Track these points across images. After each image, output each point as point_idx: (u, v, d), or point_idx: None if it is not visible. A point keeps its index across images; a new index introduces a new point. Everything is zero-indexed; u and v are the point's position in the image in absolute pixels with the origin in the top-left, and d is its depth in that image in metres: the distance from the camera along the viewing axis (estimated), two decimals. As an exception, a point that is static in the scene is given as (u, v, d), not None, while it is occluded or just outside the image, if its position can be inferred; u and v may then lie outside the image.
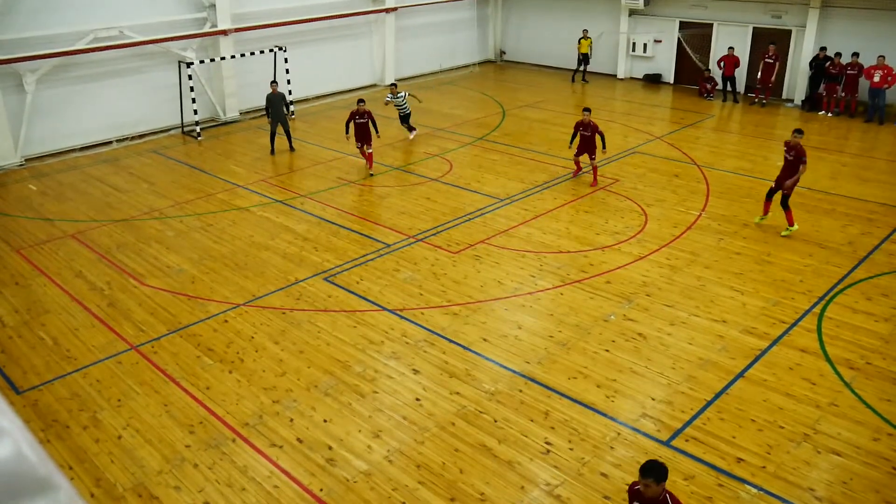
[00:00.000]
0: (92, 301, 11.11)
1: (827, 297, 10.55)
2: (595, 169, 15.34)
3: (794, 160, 12.41)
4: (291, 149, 18.22)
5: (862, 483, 7.02)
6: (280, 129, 18.09)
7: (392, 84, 19.75)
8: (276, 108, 17.84)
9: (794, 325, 9.88)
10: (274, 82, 18.40)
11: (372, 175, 16.32)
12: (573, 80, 25.41)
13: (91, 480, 7.41)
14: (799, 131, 12.46)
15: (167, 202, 15.09)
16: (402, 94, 18.54)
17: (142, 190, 15.93)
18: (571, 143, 15.50)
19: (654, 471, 5.31)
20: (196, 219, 14.17)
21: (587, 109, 15.28)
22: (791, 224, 12.58)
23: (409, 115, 18.88)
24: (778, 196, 12.69)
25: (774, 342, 9.48)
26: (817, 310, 10.23)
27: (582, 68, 25.21)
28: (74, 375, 9.26)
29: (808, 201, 14.17)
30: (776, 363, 9.02)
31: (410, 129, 19.00)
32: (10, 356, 9.73)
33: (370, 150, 16.36)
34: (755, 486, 6.99)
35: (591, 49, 25.01)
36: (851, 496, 6.86)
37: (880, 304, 10.33)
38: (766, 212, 13.03)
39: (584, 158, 15.36)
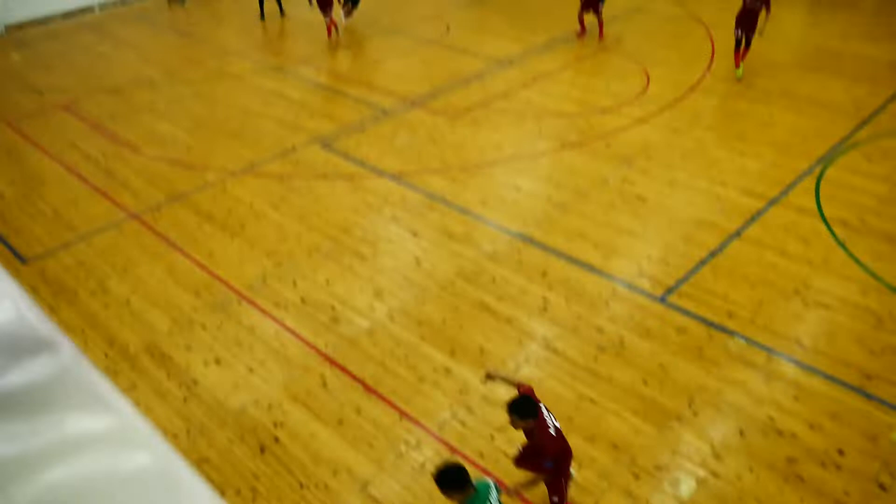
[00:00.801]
0: (88, 172, 11.06)
1: (828, 159, 10.50)
2: (601, 24, 14.82)
3: (760, 3, 12.42)
4: (282, 13, 17.54)
5: (846, 334, 7.27)
6: None
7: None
8: None
9: (792, 185, 9.89)
10: None
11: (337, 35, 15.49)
12: None
13: (104, 342, 7.66)
14: None
15: (157, 70, 14.71)
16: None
17: (129, 58, 15.49)
18: None
19: (514, 408, 4.87)
20: (188, 86, 13.87)
21: None
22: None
23: None
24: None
25: (772, 202, 9.52)
26: (817, 171, 10.21)
27: None
28: (78, 244, 9.36)
29: (815, 61, 13.83)
30: (772, 223, 9.10)
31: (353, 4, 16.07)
32: (11, 227, 9.80)
33: (335, 18, 15.24)
34: (743, 338, 7.24)
35: None
36: (835, 346, 7.11)
37: (881, 164, 10.29)
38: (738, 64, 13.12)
39: (590, 15, 14.79)
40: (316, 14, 17.45)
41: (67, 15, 18.21)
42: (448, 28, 9.81)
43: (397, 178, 10.45)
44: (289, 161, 11.06)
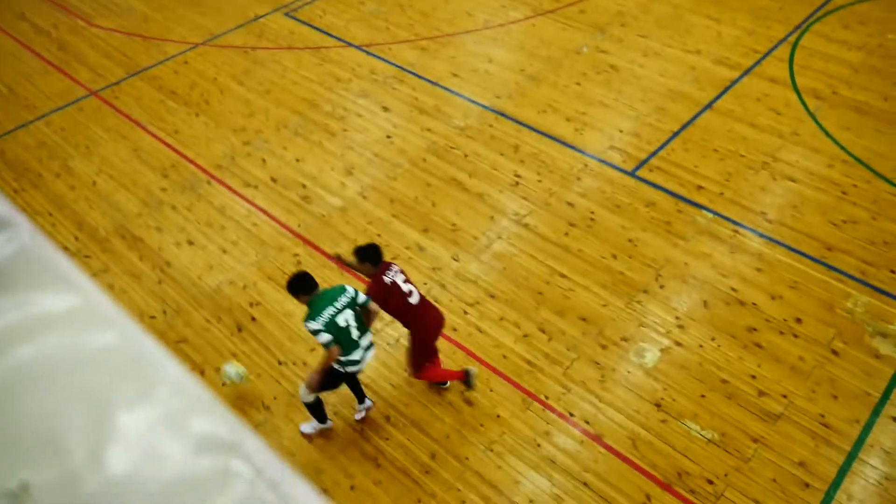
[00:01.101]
0: (41, 45, 10.55)
1: (804, 26, 10.31)
2: None
3: None
4: None
5: (811, 206, 7.43)
6: None
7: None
8: None
9: (766, 54, 9.75)
10: None
11: None
12: None
13: (73, 225, 7.60)
14: None
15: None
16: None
17: (74, -84, 14.40)
18: None
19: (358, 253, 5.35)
20: (139, -51, 13.01)
21: None
22: None
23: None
24: None
25: (745, 72, 9.42)
26: (792, 38, 10.05)
27: None
28: (37, 124, 9.07)
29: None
30: (745, 94, 9.05)
31: None
32: (-35, 104, 9.44)
33: None
34: (711, 211, 7.37)
35: None
36: (799, 218, 7.29)
37: (856, 31, 10.14)
38: None
39: None
40: None
41: None
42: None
43: (365, 48, 10.11)
44: (252, 31, 10.61)
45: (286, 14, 10.97)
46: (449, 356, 6.03)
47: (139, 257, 7.17)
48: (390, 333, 6.29)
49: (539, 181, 7.80)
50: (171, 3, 11.38)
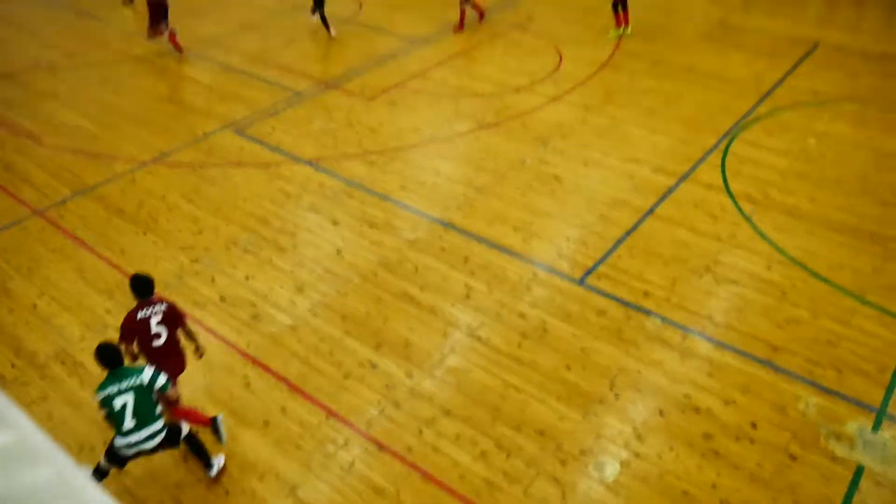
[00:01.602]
0: (-16, 165, 10.46)
1: (731, 134, 10.90)
2: (476, 6, 14.71)
3: None
4: None
5: (754, 308, 7.63)
6: None
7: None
8: None
9: (700, 161, 10.23)
10: None
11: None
12: None
13: (10, 350, 7.33)
14: None
15: (56, 53, 13.95)
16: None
17: (24, 40, 14.62)
18: None
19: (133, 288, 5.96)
20: (91, 70, 13.22)
21: None
22: (619, 25, 14.10)
23: None
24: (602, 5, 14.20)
25: (681, 179, 9.84)
26: (722, 146, 10.60)
27: None
28: (-24, 245, 8.88)
29: (720, 36, 14.27)
30: (682, 200, 9.42)
31: (325, 20, 14.36)
32: None
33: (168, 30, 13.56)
34: (659, 317, 7.51)
35: None
36: (744, 320, 7.46)
37: (780, 138, 10.76)
38: (618, 24, 14.18)
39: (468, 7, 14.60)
40: (223, -10, 16.87)
41: (-50, -8, 17.02)
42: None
43: (315, 163, 10.28)
44: (201, 149, 10.72)
45: (235, 131, 11.14)
46: (404, 478, 5.87)
47: (80, 384, 6.91)
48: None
49: (490, 292, 7.88)
50: (121, 122, 11.48)
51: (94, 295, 8.01)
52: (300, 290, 7.99)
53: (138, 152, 10.66)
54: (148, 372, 5.34)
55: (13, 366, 7.14)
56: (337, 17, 15.18)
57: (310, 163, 10.19)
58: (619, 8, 14.01)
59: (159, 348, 5.82)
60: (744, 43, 13.94)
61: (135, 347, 5.84)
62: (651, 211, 9.20)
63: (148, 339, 5.80)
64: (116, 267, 8.41)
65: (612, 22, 14.31)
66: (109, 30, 14.99)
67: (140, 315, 5.78)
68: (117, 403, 5.19)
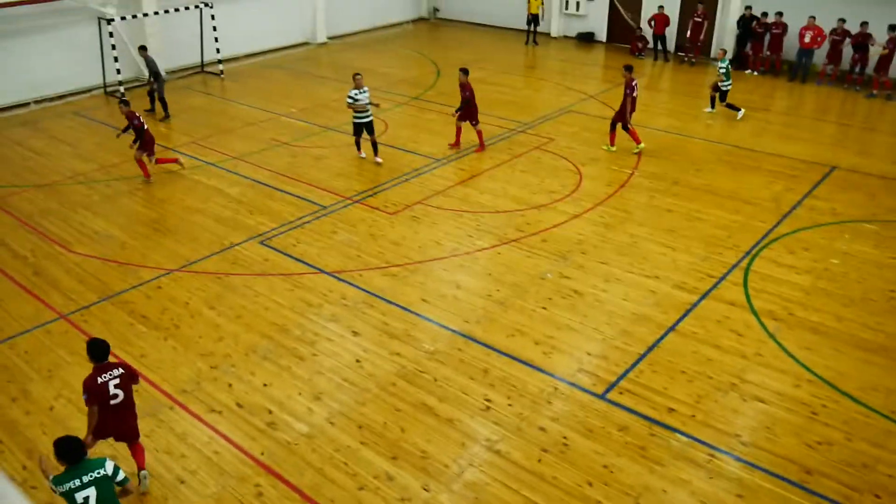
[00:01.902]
0: (16, 269, 10.68)
1: (753, 252, 10.94)
2: (480, 133, 15.09)
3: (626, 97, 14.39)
4: (166, 115, 17.45)
5: (784, 428, 7.40)
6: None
7: (356, 75, 13.93)
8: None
9: (721, 279, 10.23)
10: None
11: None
12: (527, 43, 24.82)
13: (23, 453, 7.23)
14: (628, 67, 14.54)
15: (92, 166, 14.53)
16: (366, 90, 13.82)
17: (64, 153, 15.28)
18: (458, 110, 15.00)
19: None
20: (124, 182, 13.70)
21: (464, 70, 14.66)
22: (639, 142, 14.82)
23: (371, 122, 14.14)
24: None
25: (703, 296, 9.81)
26: (744, 264, 10.61)
27: (532, 29, 24.76)
28: (1, 347, 8.93)
29: (735, 158, 14.59)
30: (705, 316, 9.35)
31: (374, 148, 14.42)
32: (-72, 329, 9.32)
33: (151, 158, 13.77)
34: (685, 435, 7.29)
35: (542, 9, 24.49)
36: (774, 440, 7.22)
37: (802, 257, 10.77)
38: (612, 142, 15.01)
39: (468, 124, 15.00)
40: (254, 111, 17.69)
41: (2, 110, 17.95)
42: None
43: (337, 275, 10.40)
44: (226, 258, 10.91)
45: (261, 242, 11.37)
46: None
47: (90, 490, 6.73)
48: None
49: (510, 405, 7.73)
50: (149, 232, 11.77)
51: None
52: (317, 398, 7.89)
53: (164, 261, 10.86)
54: (110, 465, 5.43)
55: (24, 468, 7.01)
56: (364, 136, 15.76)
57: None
58: (619, 127, 14.75)
59: (116, 406, 6.51)
60: (760, 165, 14.22)
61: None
62: (673, 327, 9.12)
63: (107, 401, 6.46)
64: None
65: (633, 143, 14.75)
66: (146, 146, 15.65)
67: (100, 379, 6.43)
68: (79, 497, 5.26)
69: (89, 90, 19.56)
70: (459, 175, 13.85)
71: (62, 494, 5.27)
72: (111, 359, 6.69)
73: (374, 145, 14.31)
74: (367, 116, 13.93)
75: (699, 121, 16.99)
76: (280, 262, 10.80)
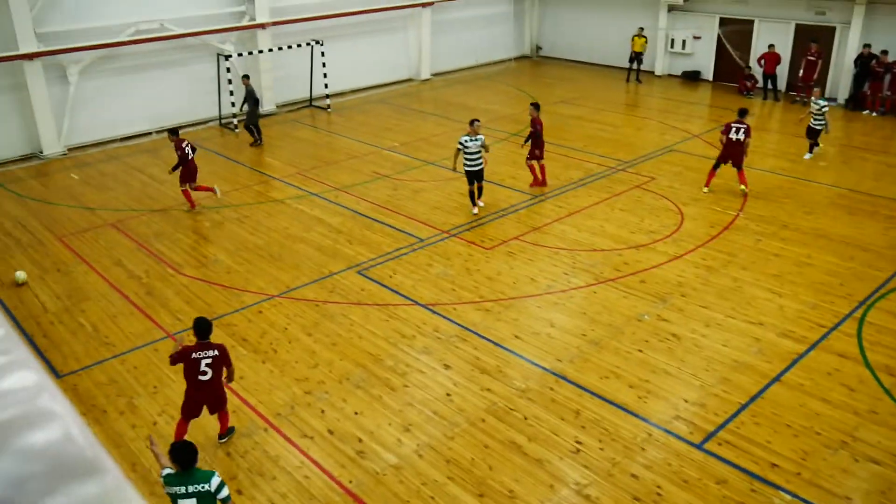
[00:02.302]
0: (130, 289, 11.31)
1: (868, 302, 10.32)
2: (543, 168, 15.10)
3: (745, 136, 14.10)
4: (258, 140, 18.55)
5: (900, 493, 6.87)
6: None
7: (473, 122, 13.43)
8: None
9: (833, 329, 9.69)
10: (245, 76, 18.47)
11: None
12: (628, 80, 24.69)
13: (127, 465, 7.55)
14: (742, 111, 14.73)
15: (204, 193, 15.27)
16: (481, 138, 13.25)
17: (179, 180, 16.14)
18: (525, 142, 15.15)
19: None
20: (232, 210, 14.34)
21: (535, 105, 14.83)
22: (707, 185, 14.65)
23: (482, 170, 13.54)
24: (724, 169, 14.41)
25: (812, 346, 9.31)
26: (858, 314, 10.02)
27: (635, 67, 24.53)
28: (112, 361, 9.44)
29: (851, 203, 13.88)
30: (814, 368, 8.86)
31: (479, 192, 13.77)
32: (51, 341, 9.96)
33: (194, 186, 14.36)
34: (789, 493, 6.88)
35: (644, 48, 24.31)
36: (889, 506, 6.72)
37: (923, 309, 10.07)
38: (707, 183, 14.62)
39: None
40: (358, 144, 18.20)
41: (126, 139, 19.22)
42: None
43: (431, 307, 10.48)
44: (325, 287, 11.19)
45: (359, 272, 11.61)
46: None
47: (186, 506, 6.97)
48: None
49: (601, 449, 7.52)
50: (254, 258, 12.24)
51: (208, 416, 8.22)
52: (407, 429, 7.92)
53: (267, 286, 11.25)
54: (216, 480, 5.68)
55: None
56: (461, 171, 15.92)
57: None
58: (720, 167, 14.41)
59: (203, 382, 7.33)
60: (878, 210, 13.47)
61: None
62: (778, 378, 8.68)
63: (195, 374, 7.29)
64: (233, 392, 8.67)
65: (738, 184, 14.28)
66: (252, 174, 16.36)
67: (194, 356, 7.29)
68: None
69: (206, 122, 20.69)
70: (557, 212, 13.76)
71: (168, 494, 5.65)
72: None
73: (480, 190, 13.71)
74: (478, 164, 13.27)
75: (810, 163, 16.29)
76: (376, 292, 10.99)
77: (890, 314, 10.00)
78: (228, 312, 10.53)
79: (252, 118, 18.23)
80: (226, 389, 7.76)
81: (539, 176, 15.02)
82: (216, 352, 7.40)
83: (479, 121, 13.43)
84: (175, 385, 8.86)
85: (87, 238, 13.24)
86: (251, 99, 18.07)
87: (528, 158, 14.98)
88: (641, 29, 24.19)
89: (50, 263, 12.29)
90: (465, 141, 13.09)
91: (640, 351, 9.29)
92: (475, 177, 13.42)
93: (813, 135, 16.20)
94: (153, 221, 13.90)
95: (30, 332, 10.16)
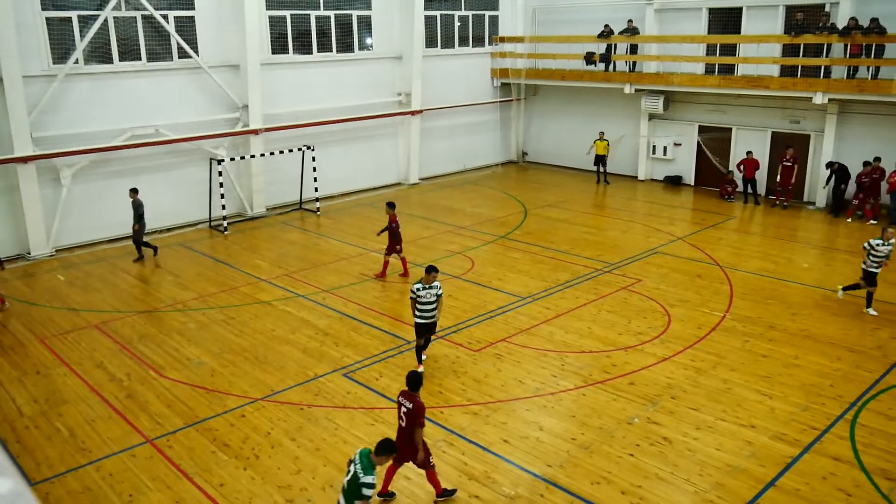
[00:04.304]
0: (110, 392, 11.07)
1: (859, 403, 10.24)
2: (387, 262, 16.02)
3: None
4: (154, 253, 17.95)
5: None
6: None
7: (429, 269, 11.32)
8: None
9: (825, 431, 9.55)
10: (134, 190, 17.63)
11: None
12: (598, 182, 25.61)
13: (96, 580, 7.17)
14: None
15: (191, 294, 15.23)
16: (437, 286, 11.33)
17: (167, 282, 16.13)
18: (380, 233, 16.21)
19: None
20: (219, 311, 14.26)
21: (390, 204, 15.78)
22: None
23: (435, 324, 11.56)
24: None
25: (806, 449, 9.15)
26: (849, 416, 9.91)
27: (602, 170, 25.53)
28: (87, 468, 9.12)
29: (835, 304, 13.99)
30: (809, 472, 8.67)
31: (425, 345, 11.79)
32: (24, 447, 9.64)
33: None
34: None
35: (607, 150, 25.34)
36: None
37: (915, 411, 9.98)
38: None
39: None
40: (346, 246, 18.34)
41: (113, 240, 19.30)
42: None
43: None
44: (310, 389, 11.00)
45: (345, 375, 11.45)
46: None
47: None
48: None
49: (594, 559, 7.22)
50: (239, 360, 12.07)
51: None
52: (392, 540, 7.60)
53: (251, 389, 11.04)
54: (362, 477, 6.52)
55: None
56: (450, 273, 16.04)
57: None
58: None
59: (399, 428, 8.12)
60: (863, 312, 13.55)
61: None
62: (773, 482, 8.49)
63: (399, 418, 8.14)
64: (213, 500, 8.36)
65: (726, 287, 14.38)
66: (240, 276, 16.36)
67: (398, 399, 8.18)
68: (344, 481, 6.77)
69: (196, 224, 20.87)
70: (544, 314, 13.77)
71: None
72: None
73: (427, 342, 11.81)
74: (431, 317, 11.28)
75: (794, 265, 16.52)
76: (362, 395, 10.80)
77: (882, 416, 9.90)
78: (210, 416, 10.28)
79: (138, 234, 17.45)
80: (421, 449, 8.07)
81: (401, 268, 16.18)
82: (411, 406, 7.96)
83: (437, 270, 11.35)
84: (151, 493, 8.54)
85: (69, 340, 13.06)
86: (136, 213, 17.23)
87: (385, 253, 15.86)
88: (602, 133, 25.56)
89: (29, 365, 12.06)
90: (418, 289, 11.17)
91: (632, 455, 9.09)
92: (425, 329, 11.42)
93: (870, 280, 13.52)
94: (138, 323, 13.77)
95: (3, 437, 9.85)
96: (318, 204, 22.21)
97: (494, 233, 19.56)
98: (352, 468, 6.70)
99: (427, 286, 11.16)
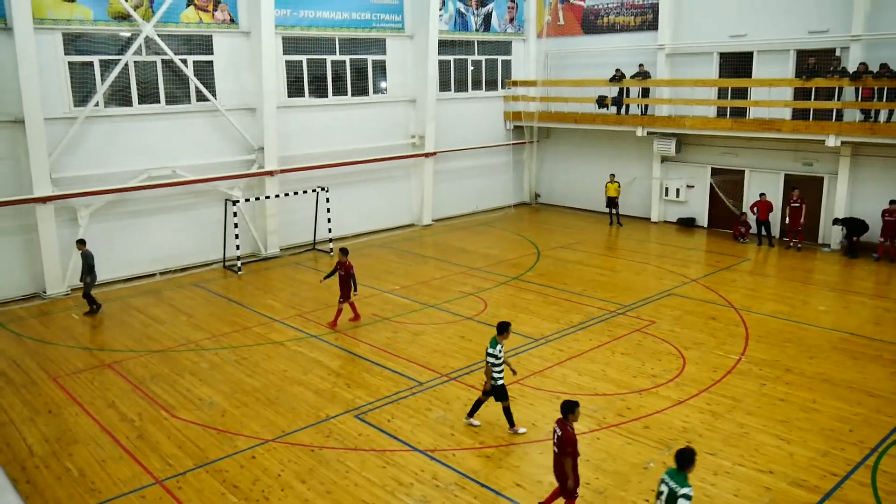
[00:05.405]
0: (122, 432, 11.03)
1: (880, 449, 10.02)
2: (340, 310, 15.78)
3: None
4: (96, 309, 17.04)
5: None
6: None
7: (507, 327, 10.73)
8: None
9: (846, 477, 9.34)
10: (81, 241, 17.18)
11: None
12: (611, 224, 25.67)
13: None
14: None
15: (204, 334, 15.25)
16: (500, 347, 10.55)
17: (180, 322, 16.17)
18: (325, 278, 16.26)
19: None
20: (231, 352, 14.25)
21: (344, 251, 15.76)
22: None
23: (502, 387, 10.71)
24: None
25: (826, 496, 8.94)
26: (870, 462, 9.70)
27: (615, 212, 25.60)
28: (96, 510, 9.05)
29: (854, 347, 13.81)
30: (829, 520, 8.47)
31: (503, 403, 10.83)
32: (34, 487, 9.59)
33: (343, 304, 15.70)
34: None
35: (618, 192, 25.45)
36: None
37: (938, 457, 9.77)
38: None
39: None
40: (359, 287, 18.35)
41: (129, 280, 19.43)
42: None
43: (430, 453, 10.17)
44: (321, 431, 10.92)
45: (356, 416, 11.36)
46: None
47: None
48: None
49: None
50: (250, 401, 12.02)
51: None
52: (402, 586, 7.45)
53: (262, 430, 10.97)
54: (686, 489, 6.65)
55: None
56: (462, 314, 15.98)
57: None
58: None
59: (554, 455, 8.29)
60: (881, 355, 13.37)
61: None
62: (793, 530, 8.28)
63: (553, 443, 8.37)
64: (221, 544, 8.25)
65: (741, 330, 14.24)
66: (253, 316, 16.39)
67: (554, 425, 8.32)
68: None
69: (210, 264, 20.99)
70: (558, 356, 13.66)
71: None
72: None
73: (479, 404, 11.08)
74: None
75: (809, 307, 16.36)
76: (374, 437, 10.70)
77: (904, 463, 9.68)
78: (221, 457, 10.20)
79: (88, 287, 16.77)
80: (571, 478, 8.11)
81: (354, 313, 16.02)
82: (560, 435, 8.10)
83: (508, 326, 10.75)
84: (160, 535, 8.44)
85: (81, 379, 13.07)
86: (86, 265, 16.70)
87: (340, 300, 15.66)
88: (613, 175, 25.72)
89: (41, 404, 12.06)
90: (500, 350, 10.54)
91: (647, 501, 8.91)
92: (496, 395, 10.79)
93: None
94: (150, 362, 13.78)
95: (13, 477, 9.79)
96: (331, 245, 22.32)
97: (507, 274, 19.54)
98: (663, 488, 6.83)
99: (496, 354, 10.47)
